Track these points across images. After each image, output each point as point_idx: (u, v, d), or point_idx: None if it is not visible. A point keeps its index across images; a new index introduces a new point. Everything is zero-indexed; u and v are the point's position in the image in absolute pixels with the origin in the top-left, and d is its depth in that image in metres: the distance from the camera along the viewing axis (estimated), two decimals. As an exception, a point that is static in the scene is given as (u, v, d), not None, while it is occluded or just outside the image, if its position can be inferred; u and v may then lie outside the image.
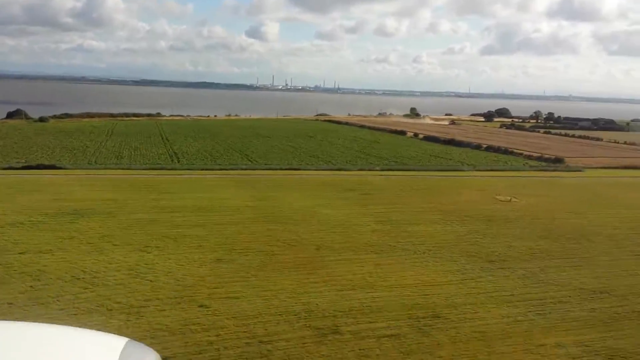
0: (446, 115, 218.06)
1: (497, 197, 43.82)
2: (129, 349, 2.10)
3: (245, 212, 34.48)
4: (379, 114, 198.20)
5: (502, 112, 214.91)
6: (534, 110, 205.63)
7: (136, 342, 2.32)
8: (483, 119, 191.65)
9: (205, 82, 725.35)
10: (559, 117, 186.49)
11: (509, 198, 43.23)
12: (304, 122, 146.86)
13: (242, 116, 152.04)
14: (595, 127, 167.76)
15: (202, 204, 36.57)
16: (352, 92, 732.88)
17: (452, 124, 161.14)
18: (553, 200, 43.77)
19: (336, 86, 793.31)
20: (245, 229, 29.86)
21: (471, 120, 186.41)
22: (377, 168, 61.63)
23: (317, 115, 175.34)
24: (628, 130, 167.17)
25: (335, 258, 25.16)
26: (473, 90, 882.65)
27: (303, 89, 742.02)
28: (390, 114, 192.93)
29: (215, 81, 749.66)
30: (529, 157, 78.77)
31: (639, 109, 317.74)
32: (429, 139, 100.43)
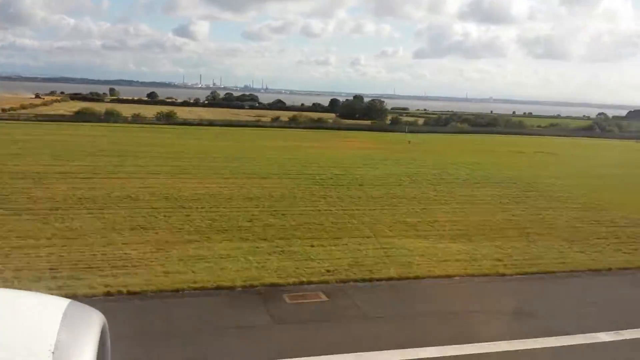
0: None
1: None
2: (71, 310, 1.96)
3: None
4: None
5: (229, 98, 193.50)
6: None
7: (79, 303, 2.10)
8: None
9: (123, 80, 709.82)
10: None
11: None
12: None
13: None
14: (255, 107, 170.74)
15: None
16: (278, 92, 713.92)
17: (36, 97, 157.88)
18: None
19: (264, 86, 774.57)
20: None
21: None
22: None
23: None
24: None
25: None
26: (399, 93, 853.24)
27: (225, 88, 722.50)
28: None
29: (135, 79, 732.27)
30: None
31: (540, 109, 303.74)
32: None
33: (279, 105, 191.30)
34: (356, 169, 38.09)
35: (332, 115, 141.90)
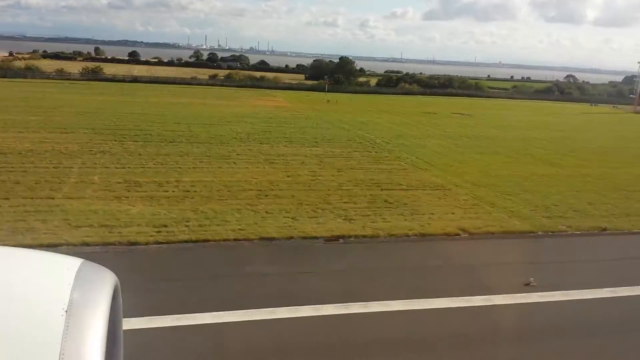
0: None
1: None
2: (84, 269, 1.92)
3: None
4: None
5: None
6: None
7: (91, 262, 2.03)
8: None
9: (128, 41, 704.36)
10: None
11: None
12: None
13: None
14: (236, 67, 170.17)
15: None
16: (284, 54, 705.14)
17: (10, 55, 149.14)
18: None
19: (269, 48, 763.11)
20: None
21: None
22: None
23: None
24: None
25: None
26: (407, 57, 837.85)
27: (230, 50, 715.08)
28: None
29: (140, 40, 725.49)
30: None
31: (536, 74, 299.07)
32: None
33: (261, 66, 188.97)
34: (204, 127, 35.01)
35: (301, 76, 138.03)
